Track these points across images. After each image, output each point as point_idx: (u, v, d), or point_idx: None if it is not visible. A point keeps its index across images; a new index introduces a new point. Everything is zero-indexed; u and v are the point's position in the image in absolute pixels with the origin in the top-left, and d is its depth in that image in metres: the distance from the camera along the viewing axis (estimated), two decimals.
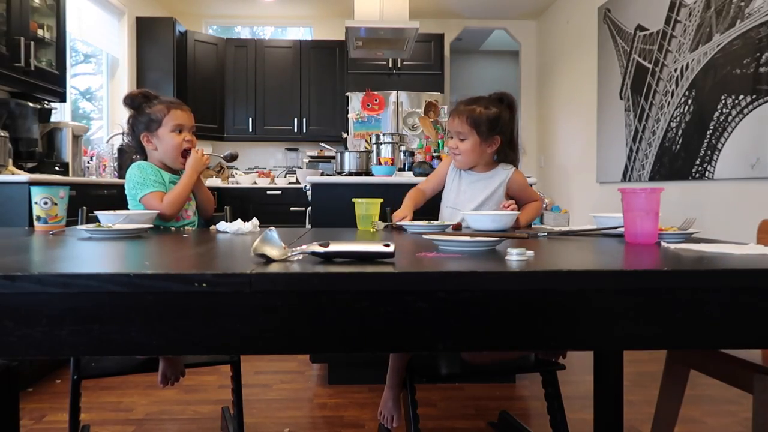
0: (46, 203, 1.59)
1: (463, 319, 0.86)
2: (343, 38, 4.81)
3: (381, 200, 1.82)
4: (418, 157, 3.37)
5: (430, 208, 2.10)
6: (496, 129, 1.95)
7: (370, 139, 3.47)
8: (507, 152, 2.03)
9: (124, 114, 2.07)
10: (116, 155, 4.20)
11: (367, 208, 1.79)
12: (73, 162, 3.54)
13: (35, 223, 1.62)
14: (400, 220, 1.80)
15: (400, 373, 1.71)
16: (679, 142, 3.56)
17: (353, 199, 1.80)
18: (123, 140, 2.00)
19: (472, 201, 1.98)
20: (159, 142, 1.91)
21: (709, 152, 3.26)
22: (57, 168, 3.37)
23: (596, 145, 4.75)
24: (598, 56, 4.73)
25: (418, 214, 2.00)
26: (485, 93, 2.04)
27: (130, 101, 1.94)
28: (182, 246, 1.27)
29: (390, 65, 5.55)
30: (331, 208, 2.51)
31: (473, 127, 1.93)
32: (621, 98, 4.33)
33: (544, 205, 5.49)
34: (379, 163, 3.24)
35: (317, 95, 5.76)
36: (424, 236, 1.24)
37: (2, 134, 2.91)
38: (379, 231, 1.69)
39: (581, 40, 5.12)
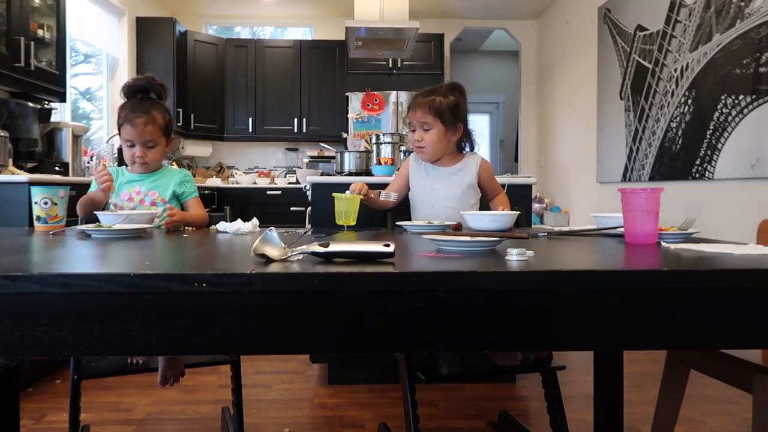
0: (46, 203, 1.59)
1: (463, 319, 0.86)
2: (343, 38, 4.81)
3: (361, 197, 1.83)
4: None
5: (409, 208, 2.11)
6: (458, 116, 1.99)
7: (370, 139, 3.47)
8: (466, 141, 2.07)
9: None
10: (116, 155, 4.20)
11: (347, 204, 1.80)
12: (73, 162, 3.54)
13: (35, 223, 1.62)
14: (360, 190, 1.83)
15: None
16: (679, 142, 3.55)
17: (333, 194, 1.81)
18: None
19: (449, 197, 1.98)
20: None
21: (709, 152, 3.26)
22: (57, 168, 3.37)
23: (596, 145, 4.75)
24: (598, 56, 4.73)
25: (401, 214, 2.01)
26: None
27: (128, 92, 1.96)
28: (182, 246, 1.27)
29: (390, 65, 5.55)
30: (331, 208, 2.51)
31: (437, 117, 1.96)
32: (621, 98, 4.32)
33: (544, 205, 5.50)
34: (379, 163, 3.24)
35: (317, 95, 5.76)
36: (424, 236, 1.24)
37: (2, 134, 2.91)
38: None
39: (581, 40, 5.12)
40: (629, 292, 0.88)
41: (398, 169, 3.15)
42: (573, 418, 1.86)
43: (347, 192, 1.85)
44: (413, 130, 2.01)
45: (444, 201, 1.97)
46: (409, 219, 2.04)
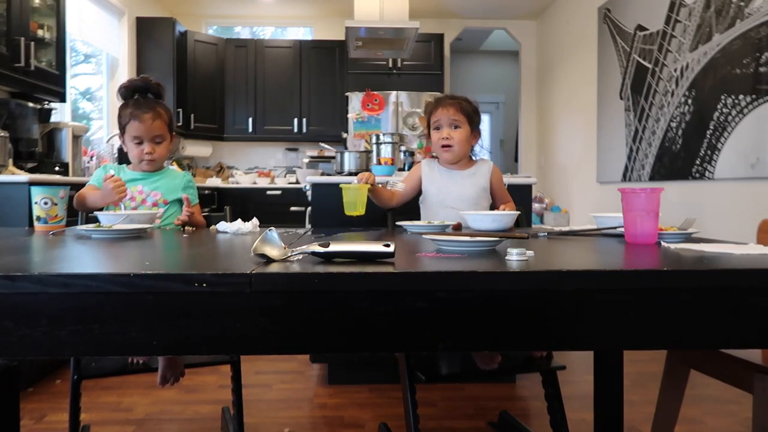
0: (46, 203, 1.59)
1: (463, 319, 0.86)
2: (343, 38, 4.81)
3: (368, 186, 1.84)
4: (418, 157, 3.37)
5: (409, 209, 2.11)
6: (478, 123, 2.05)
7: (370, 139, 3.47)
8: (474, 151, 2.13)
9: None
10: (116, 155, 4.20)
11: (354, 194, 1.80)
12: (73, 162, 3.54)
13: (35, 223, 1.62)
14: (367, 179, 1.84)
15: None
16: (679, 142, 3.55)
17: (340, 185, 1.82)
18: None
19: (464, 199, 1.98)
20: (125, 146, 1.97)
21: (709, 152, 3.26)
22: (57, 168, 3.37)
23: (596, 145, 4.75)
24: (598, 56, 4.73)
25: (401, 214, 2.01)
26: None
27: (125, 92, 1.95)
28: (182, 246, 1.27)
29: (390, 65, 5.55)
30: (331, 208, 2.51)
31: (467, 117, 2.00)
32: (621, 98, 4.32)
33: (544, 205, 5.50)
34: (379, 163, 3.24)
35: (317, 95, 5.76)
36: (424, 236, 1.24)
37: (2, 134, 2.91)
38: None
39: (581, 40, 5.12)
40: (629, 292, 0.88)
41: (399, 169, 3.15)
42: (573, 418, 1.86)
43: (354, 181, 1.86)
44: (437, 128, 2.02)
45: (458, 203, 1.97)
46: (410, 219, 2.04)
